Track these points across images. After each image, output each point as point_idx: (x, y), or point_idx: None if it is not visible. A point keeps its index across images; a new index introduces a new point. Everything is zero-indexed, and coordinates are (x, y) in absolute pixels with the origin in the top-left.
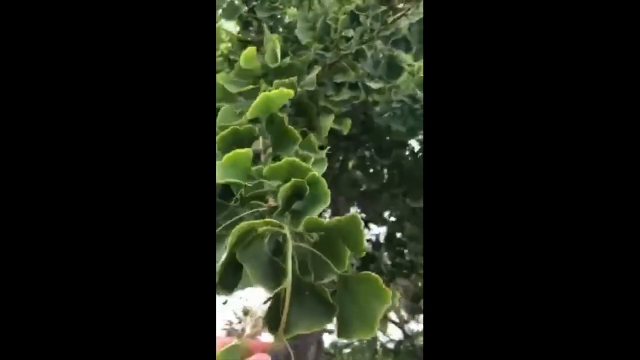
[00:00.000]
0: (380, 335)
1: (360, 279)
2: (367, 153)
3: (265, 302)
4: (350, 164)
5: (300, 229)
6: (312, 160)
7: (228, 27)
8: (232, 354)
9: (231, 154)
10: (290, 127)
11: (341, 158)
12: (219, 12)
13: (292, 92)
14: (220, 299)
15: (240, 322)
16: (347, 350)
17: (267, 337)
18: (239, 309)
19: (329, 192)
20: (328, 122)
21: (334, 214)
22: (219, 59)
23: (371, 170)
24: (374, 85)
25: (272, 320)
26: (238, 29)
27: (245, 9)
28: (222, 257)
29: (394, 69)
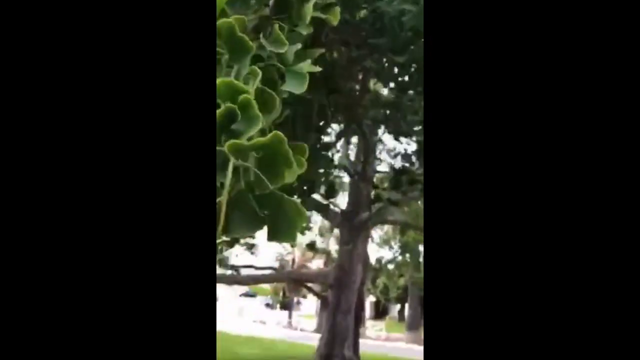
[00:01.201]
0: (422, 249)
1: (288, 200)
2: (383, 57)
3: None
4: (371, 83)
5: (226, 149)
6: (286, 48)
7: None
8: None
9: None
10: (241, 35)
11: (360, 73)
12: None
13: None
14: None
15: (289, 254)
16: (391, 266)
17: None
18: None
19: (259, 114)
20: (307, 11)
21: (362, 137)
22: None
23: (388, 70)
24: None
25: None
26: None
27: None
28: None
29: None
